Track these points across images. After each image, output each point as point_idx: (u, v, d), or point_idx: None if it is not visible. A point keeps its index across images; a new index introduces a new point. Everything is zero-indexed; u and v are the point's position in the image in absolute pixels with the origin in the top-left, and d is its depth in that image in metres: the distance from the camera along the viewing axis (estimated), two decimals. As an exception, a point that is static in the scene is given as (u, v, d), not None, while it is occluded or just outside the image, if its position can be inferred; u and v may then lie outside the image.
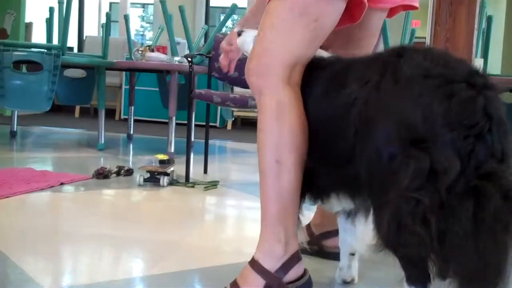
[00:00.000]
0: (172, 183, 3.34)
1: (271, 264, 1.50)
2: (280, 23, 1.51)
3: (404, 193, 1.12)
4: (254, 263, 1.51)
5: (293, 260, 1.51)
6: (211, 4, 9.80)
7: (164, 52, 5.15)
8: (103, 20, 5.73)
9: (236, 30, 1.83)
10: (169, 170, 3.36)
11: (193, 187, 3.31)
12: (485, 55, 4.59)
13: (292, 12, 1.49)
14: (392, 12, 1.82)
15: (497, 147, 1.11)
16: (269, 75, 1.50)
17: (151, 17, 12.71)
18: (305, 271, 1.54)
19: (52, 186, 3.07)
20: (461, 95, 1.12)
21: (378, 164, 1.20)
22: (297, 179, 1.49)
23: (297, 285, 1.51)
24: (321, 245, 2.01)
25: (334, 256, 1.98)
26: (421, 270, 1.18)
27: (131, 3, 10.31)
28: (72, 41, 8.30)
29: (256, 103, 1.53)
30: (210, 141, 4.35)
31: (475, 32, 3.14)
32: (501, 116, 1.14)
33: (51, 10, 5.55)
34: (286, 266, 1.50)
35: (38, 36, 8.01)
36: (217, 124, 7.67)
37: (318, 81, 1.50)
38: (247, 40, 1.76)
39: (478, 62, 3.21)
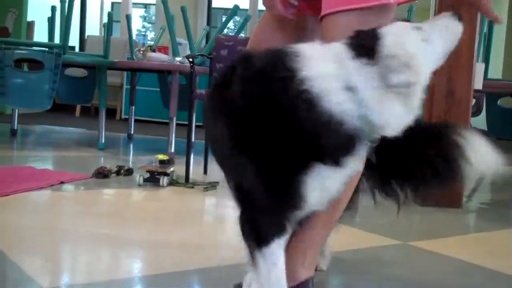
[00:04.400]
0: (171, 183, 3.34)
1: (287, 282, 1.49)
2: None
3: None
4: None
5: (306, 285, 1.52)
6: (213, 5, 9.81)
7: (166, 53, 5.15)
8: (105, 19, 5.73)
9: None
10: (169, 171, 3.36)
11: (192, 187, 3.31)
12: (486, 59, 4.60)
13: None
14: None
15: None
16: None
17: (153, 18, 12.72)
18: None
19: (52, 185, 3.07)
20: None
21: None
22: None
23: None
24: None
25: None
26: None
27: (133, 3, 10.31)
28: (73, 40, 8.29)
29: None
30: (211, 142, 4.35)
31: (477, 36, 3.14)
32: None
33: (53, 9, 5.55)
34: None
35: (40, 35, 8.00)
36: (218, 125, 7.64)
37: None
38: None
39: (479, 67, 3.21)
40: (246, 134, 1.24)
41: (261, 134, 1.22)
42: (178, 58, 4.67)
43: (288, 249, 1.52)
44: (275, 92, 1.20)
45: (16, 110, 5.42)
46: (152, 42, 6.68)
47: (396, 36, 1.25)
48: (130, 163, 4.25)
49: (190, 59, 3.76)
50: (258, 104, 1.23)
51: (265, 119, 1.21)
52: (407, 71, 1.19)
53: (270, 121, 1.21)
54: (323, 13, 1.47)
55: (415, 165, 1.60)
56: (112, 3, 12.49)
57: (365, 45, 1.23)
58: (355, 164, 1.27)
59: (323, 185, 1.26)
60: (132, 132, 5.71)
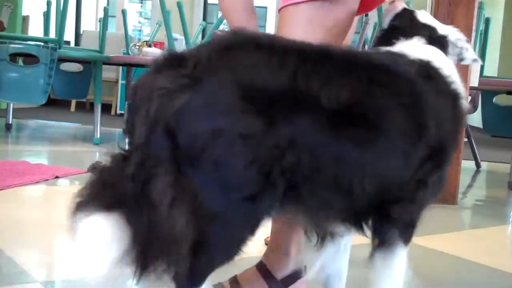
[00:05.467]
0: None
1: (278, 272, 1.52)
2: (299, 34, 1.41)
3: None
4: (261, 267, 1.53)
5: (296, 276, 1.52)
6: (209, 1, 9.80)
7: (162, 48, 5.14)
8: (101, 14, 5.71)
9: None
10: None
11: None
12: (482, 57, 4.60)
13: (311, 23, 1.45)
14: None
15: None
16: None
17: (149, 13, 12.68)
18: None
19: (47, 180, 3.06)
20: None
21: None
22: None
23: None
24: None
25: None
26: None
27: (129, -2, 10.29)
28: (69, 35, 8.27)
29: None
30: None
31: (473, 34, 3.14)
32: None
33: (49, 3, 5.53)
34: (290, 279, 1.52)
35: (35, 29, 7.97)
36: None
37: None
38: None
39: (475, 64, 3.21)
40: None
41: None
42: (174, 54, 4.66)
43: (275, 240, 1.54)
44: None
45: (11, 105, 5.39)
46: (148, 37, 6.65)
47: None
48: (126, 158, 4.24)
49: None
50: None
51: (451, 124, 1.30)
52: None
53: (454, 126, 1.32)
54: (282, 5, 1.52)
55: None
56: (108, -2, 12.44)
57: (439, 39, 1.40)
58: None
59: None
60: (127, 127, 5.70)
